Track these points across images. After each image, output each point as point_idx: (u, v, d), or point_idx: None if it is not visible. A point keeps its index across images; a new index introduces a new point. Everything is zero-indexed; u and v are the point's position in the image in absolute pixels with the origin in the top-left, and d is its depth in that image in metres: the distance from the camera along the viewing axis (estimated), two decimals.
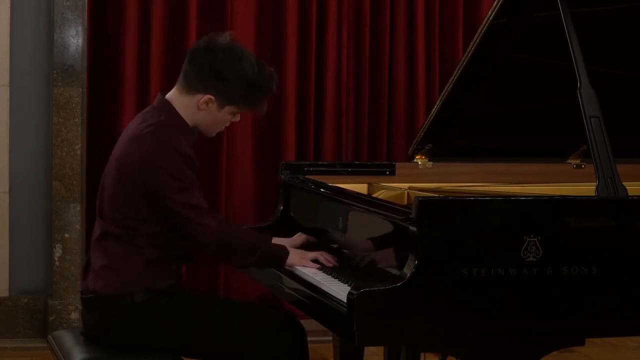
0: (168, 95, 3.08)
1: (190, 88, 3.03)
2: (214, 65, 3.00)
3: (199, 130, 3.11)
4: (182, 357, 3.03)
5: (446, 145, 3.71)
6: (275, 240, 3.25)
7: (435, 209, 2.62)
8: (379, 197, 3.39)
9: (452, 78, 3.44)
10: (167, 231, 2.98)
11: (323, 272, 3.02)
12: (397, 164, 3.76)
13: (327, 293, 2.78)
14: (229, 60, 3.00)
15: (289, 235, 3.36)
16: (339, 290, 2.73)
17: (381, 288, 2.54)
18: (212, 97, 3.01)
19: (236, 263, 3.11)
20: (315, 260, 3.08)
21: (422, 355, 3.11)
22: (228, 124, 3.14)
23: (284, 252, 3.09)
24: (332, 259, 3.10)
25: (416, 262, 2.56)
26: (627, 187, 2.85)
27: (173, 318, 2.98)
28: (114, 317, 2.97)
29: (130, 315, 2.96)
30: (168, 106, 3.04)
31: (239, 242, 3.03)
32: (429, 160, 3.73)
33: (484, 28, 3.26)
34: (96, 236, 3.06)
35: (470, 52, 3.33)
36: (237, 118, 3.12)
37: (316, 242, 3.29)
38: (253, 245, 3.05)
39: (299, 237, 3.31)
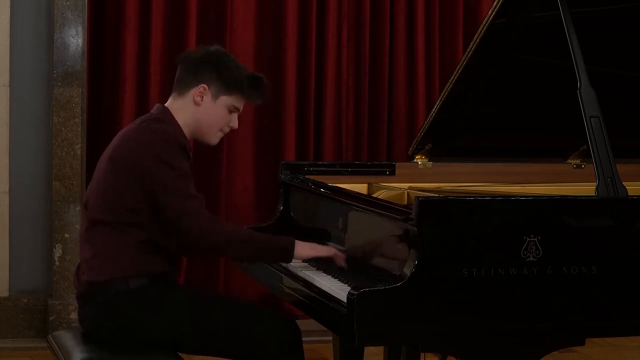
0: (165, 105, 3.16)
1: (186, 87, 3.11)
2: (206, 57, 3.12)
3: (200, 138, 3.16)
4: (179, 355, 3.03)
5: (446, 145, 3.71)
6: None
7: (435, 209, 2.62)
8: (379, 197, 3.39)
9: (452, 78, 3.44)
10: (155, 222, 2.98)
11: (323, 272, 3.02)
12: (397, 164, 3.76)
13: (327, 293, 2.78)
14: (219, 53, 3.15)
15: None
16: (339, 290, 2.73)
17: (381, 288, 2.54)
18: (206, 86, 3.09)
19: (233, 255, 3.10)
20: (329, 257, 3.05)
21: (422, 355, 3.11)
22: (227, 128, 3.16)
23: (288, 241, 3.03)
24: (343, 257, 3.06)
25: (416, 262, 2.57)
26: (627, 187, 2.85)
27: (169, 308, 2.98)
28: (110, 306, 2.97)
29: (125, 303, 2.96)
30: (165, 111, 3.12)
31: (234, 233, 3.00)
32: (429, 160, 3.73)
33: (484, 28, 3.26)
34: (82, 231, 3.08)
35: (470, 52, 3.33)
36: (235, 120, 3.15)
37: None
38: (249, 236, 3.02)
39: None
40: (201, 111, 3.10)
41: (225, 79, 3.10)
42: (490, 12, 3.23)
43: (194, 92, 3.09)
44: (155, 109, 3.17)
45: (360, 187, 3.57)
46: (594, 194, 2.82)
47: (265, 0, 5.49)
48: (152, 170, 2.94)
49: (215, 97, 3.10)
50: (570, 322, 2.70)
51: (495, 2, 3.20)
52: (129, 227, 2.97)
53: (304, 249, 3.03)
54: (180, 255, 3.13)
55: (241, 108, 3.16)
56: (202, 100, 3.09)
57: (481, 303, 2.62)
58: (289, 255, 3.02)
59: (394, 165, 3.76)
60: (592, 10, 3.26)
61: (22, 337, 5.14)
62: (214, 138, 3.17)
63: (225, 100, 3.11)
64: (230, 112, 3.14)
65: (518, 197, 2.75)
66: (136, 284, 2.97)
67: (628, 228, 2.74)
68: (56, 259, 5.09)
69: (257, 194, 5.50)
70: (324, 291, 2.81)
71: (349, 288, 2.62)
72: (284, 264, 3.16)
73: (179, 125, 3.09)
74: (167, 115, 3.10)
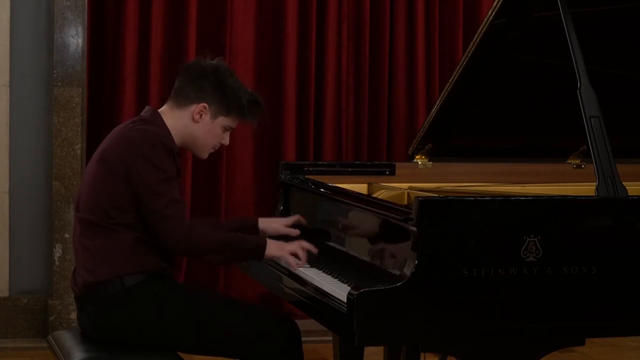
0: (159, 110, 3.17)
1: (185, 100, 3.13)
2: (209, 76, 3.12)
3: (191, 150, 3.20)
4: (179, 354, 3.03)
5: (446, 145, 3.71)
6: (263, 221, 3.32)
7: (435, 209, 2.62)
8: (379, 197, 3.39)
9: (452, 78, 3.44)
10: (144, 220, 2.99)
11: (323, 272, 3.02)
12: (397, 164, 3.76)
13: (327, 293, 2.78)
14: (222, 72, 3.14)
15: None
16: (339, 290, 2.73)
17: (381, 288, 2.54)
18: (207, 106, 3.11)
19: (209, 259, 3.16)
20: (295, 254, 3.08)
21: (422, 355, 3.11)
22: (219, 145, 3.20)
23: (260, 244, 3.07)
24: (312, 247, 3.10)
25: (416, 262, 2.57)
26: (627, 187, 2.85)
27: (166, 306, 2.99)
28: (108, 307, 2.97)
29: (123, 302, 2.96)
30: (157, 116, 3.13)
31: (209, 240, 3.03)
32: (429, 160, 3.73)
33: (484, 28, 3.26)
34: (76, 233, 3.08)
35: (470, 52, 3.33)
36: (227, 138, 3.20)
37: (305, 222, 3.32)
38: (224, 242, 3.05)
39: (293, 218, 3.34)
40: (198, 128, 3.13)
41: (226, 102, 3.12)
42: (490, 12, 3.23)
43: (195, 109, 3.11)
44: (145, 111, 3.17)
45: (360, 187, 3.57)
46: (594, 194, 2.82)
47: (265, 0, 5.49)
48: (139, 170, 2.96)
49: (214, 117, 3.13)
50: (570, 322, 2.70)
51: (495, 2, 3.20)
52: (121, 227, 2.98)
53: (273, 248, 3.07)
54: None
55: (234, 127, 3.20)
56: (200, 118, 3.12)
57: (481, 303, 2.61)
58: (261, 255, 3.07)
59: (394, 165, 3.76)
60: (592, 10, 3.26)
61: (22, 337, 5.14)
62: (205, 154, 3.21)
63: (222, 121, 3.15)
64: (225, 130, 3.17)
65: (518, 197, 2.75)
66: (132, 282, 2.97)
67: (628, 228, 2.74)
68: (56, 259, 5.09)
69: (257, 194, 5.50)
70: (324, 291, 2.81)
71: (349, 288, 2.62)
72: (282, 264, 3.16)
73: (168, 130, 3.10)
74: (158, 119, 3.11)
